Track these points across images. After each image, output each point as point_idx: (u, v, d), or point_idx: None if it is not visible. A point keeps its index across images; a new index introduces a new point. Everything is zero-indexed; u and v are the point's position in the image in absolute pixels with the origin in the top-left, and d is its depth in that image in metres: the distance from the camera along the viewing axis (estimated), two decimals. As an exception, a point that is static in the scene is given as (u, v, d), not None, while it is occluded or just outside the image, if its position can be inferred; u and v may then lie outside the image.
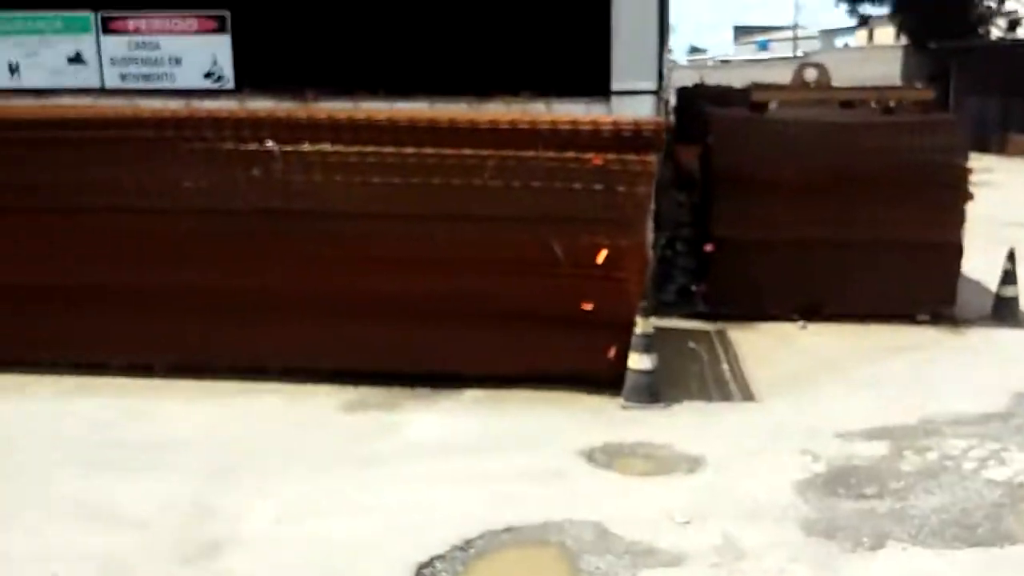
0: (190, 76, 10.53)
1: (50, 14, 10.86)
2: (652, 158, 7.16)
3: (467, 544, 5.13)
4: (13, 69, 11.00)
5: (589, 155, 7.12)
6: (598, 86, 9.45)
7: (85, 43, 10.78)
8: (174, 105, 9.50)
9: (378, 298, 7.39)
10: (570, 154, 7.15)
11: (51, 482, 5.92)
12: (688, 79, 25.33)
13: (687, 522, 5.35)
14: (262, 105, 9.37)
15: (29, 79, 10.94)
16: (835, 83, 12.02)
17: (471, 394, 7.37)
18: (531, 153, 7.17)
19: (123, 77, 10.70)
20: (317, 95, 10.08)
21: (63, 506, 5.58)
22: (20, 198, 7.77)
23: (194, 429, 6.79)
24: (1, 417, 6.99)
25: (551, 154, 7.14)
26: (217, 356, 7.72)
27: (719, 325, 9.27)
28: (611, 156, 7.11)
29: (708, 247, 9.46)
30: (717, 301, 9.50)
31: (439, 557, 5.00)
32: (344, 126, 7.44)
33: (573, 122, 7.29)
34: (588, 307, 7.11)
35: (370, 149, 7.32)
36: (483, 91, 9.56)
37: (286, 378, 7.61)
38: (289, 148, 7.41)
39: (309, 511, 5.52)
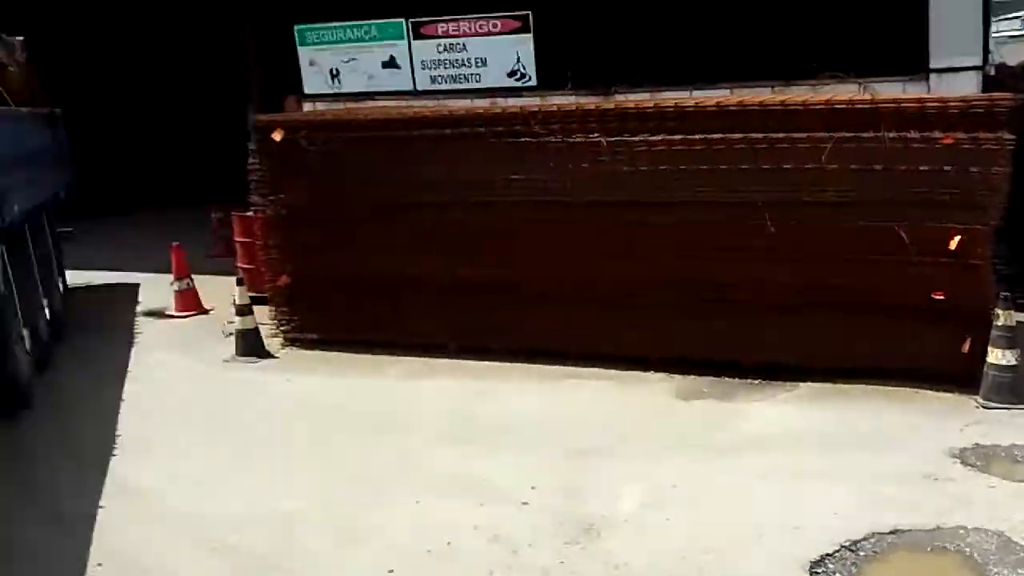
0: (495, 75, 10.56)
1: (366, 23, 11.22)
2: (1008, 136, 6.30)
3: (855, 545, 4.57)
4: (334, 76, 11.48)
5: (936, 134, 6.38)
6: (913, 64, 8.58)
7: (398, 49, 11.07)
8: (480, 104, 9.55)
9: (712, 286, 6.92)
10: (914, 134, 6.42)
11: (419, 456, 5.89)
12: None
13: (1103, 538, 4.60)
14: (563, 101, 9.21)
15: (348, 84, 11.39)
16: None
17: (807, 387, 6.71)
18: (870, 134, 6.51)
19: (433, 79, 10.89)
20: (616, 89, 9.81)
21: (438, 481, 5.50)
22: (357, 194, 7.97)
23: (534, 410, 6.62)
24: (367, 394, 7.17)
25: (893, 135, 6.44)
26: (547, 341, 7.50)
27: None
28: (961, 135, 6.32)
29: None
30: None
31: (829, 556, 4.47)
32: (669, 115, 7.01)
33: (919, 100, 6.52)
34: (939, 296, 6.35)
35: (697, 137, 6.90)
36: (787, 75, 8.91)
37: (608, 364, 7.26)
38: (615, 138, 7.15)
39: (676, 498, 5.14)
